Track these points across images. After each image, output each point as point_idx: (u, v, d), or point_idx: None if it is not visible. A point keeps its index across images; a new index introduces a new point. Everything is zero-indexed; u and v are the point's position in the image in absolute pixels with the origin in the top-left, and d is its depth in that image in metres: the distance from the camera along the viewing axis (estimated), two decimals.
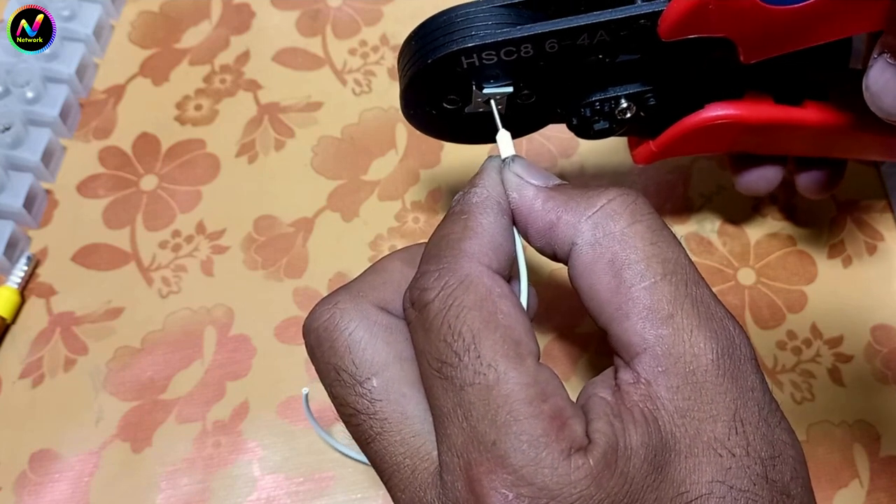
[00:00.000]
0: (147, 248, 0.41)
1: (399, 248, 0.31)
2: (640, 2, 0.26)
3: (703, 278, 0.23)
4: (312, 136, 0.44)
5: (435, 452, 0.22)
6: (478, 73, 0.26)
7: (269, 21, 0.48)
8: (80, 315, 0.39)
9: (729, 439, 0.21)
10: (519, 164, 0.25)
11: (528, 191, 0.24)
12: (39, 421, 0.37)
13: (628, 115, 0.30)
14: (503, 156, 0.26)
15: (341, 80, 0.45)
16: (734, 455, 0.21)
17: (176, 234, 0.41)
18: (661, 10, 0.25)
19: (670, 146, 0.32)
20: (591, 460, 0.20)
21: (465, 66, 0.26)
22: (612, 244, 0.23)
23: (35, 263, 0.40)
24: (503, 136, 0.26)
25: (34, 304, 0.39)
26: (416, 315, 0.22)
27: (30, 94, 0.43)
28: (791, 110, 0.32)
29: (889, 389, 0.36)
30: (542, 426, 0.20)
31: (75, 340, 0.38)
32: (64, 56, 0.44)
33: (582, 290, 0.23)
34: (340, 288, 0.25)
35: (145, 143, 0.44)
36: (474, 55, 0.26)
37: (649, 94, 0.30)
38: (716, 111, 0.31)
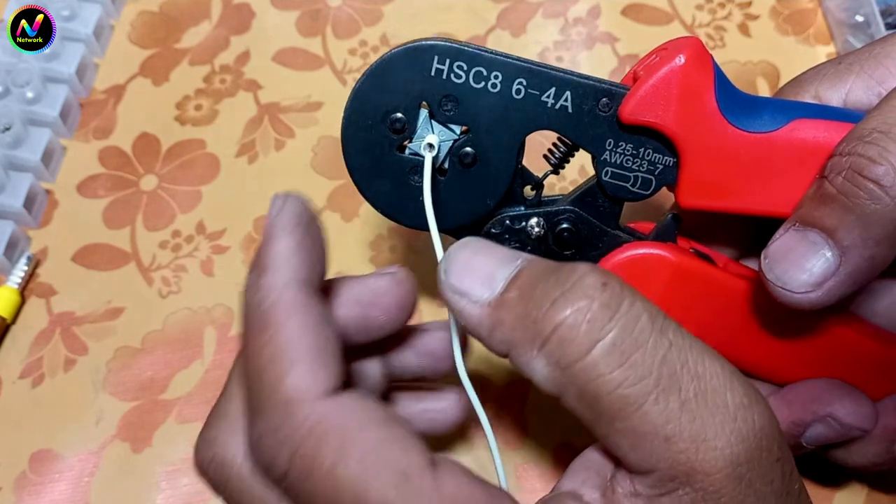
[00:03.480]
0: (147, 248, 0.41)
1: (392, 258, 0.30)
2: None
3: (706, 355, 0.20)
4: (312, 136, 0.44)
5: None
6: (438, 93, 0.26)
7: (269, 21, 0.48)
8: (80, 315, 0.39)
9: None
10: (454, 273, 0.22)
11: (472, 315, 0.21)
12: (39, 421, 0.37)
13: (533, 233, 0.28)
14: (438, 255, 0.23)
15: (341, 80, 0.45)
16: None
17: (176, 234, 0.41)
18: (625, 92, 0.26)
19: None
20: None
21: (434, 72, 0.26)
22: (573, 381, 0.19)
23: (35, 263, 0.40)
24: (434, 229, 0.25)
25: (34, 304, 0.39)
26: (276, 484, 0.20)
27: (30, 94, 0.43)
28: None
29: None
30: None
31: (75, 340, 0.38)
32: (64, 56, 0.44)
33: (565, 406, 0.21)
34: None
35: (145, 143, 0.44)
36: (447, 60, 0.26)
37: (561, 219, 0.28)
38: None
